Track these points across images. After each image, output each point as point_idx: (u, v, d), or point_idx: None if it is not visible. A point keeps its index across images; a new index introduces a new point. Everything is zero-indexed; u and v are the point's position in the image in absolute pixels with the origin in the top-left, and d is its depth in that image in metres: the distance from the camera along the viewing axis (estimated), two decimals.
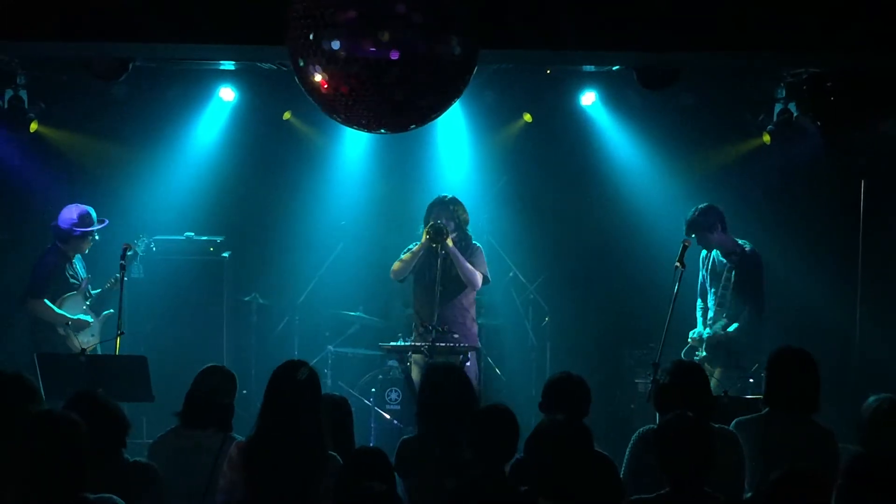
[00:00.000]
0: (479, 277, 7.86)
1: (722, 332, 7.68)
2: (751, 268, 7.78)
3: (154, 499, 4.42)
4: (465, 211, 7.96)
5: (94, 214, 7.87)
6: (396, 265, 7.96)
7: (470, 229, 8.04)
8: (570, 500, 3.83)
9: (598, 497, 4.00)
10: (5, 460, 4.14)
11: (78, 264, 7.93)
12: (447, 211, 7.86)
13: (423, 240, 7.77)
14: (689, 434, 4.19)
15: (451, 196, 8.00)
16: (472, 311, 8.00)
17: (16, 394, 4.63)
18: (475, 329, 8.02)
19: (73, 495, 3.65)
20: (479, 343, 8.08)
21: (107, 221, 7.96)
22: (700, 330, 7.85)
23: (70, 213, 7.79)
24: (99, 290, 8.00)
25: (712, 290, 7.85)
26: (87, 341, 7.65)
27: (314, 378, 4.65)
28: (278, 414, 4.57)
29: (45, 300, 7.63)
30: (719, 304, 7.76)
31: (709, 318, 7.83)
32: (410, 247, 7.95)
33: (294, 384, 4.58)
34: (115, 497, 3.81)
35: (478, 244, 8.04)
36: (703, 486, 4.16)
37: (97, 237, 7.93)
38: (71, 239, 7.78)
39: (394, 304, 9.35)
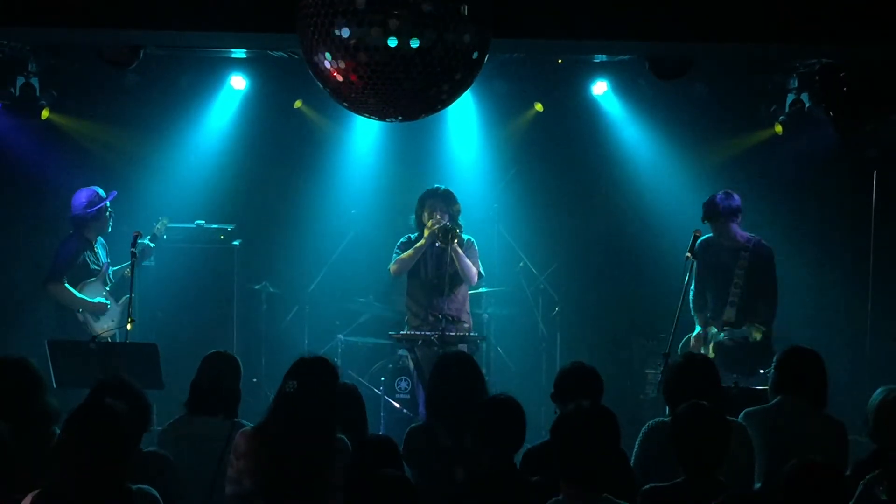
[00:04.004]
0: (475, 273, 7.84)
1: (746, 337, 7.09)
2: (767, 262, 7.40)
3: (166, 488, 4.41)
4: (457, 202, 7.86)
5: (101, 192, 7.90)
6: (397, 264, 7.87)
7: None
8: (594, 485, 3.84)
9: (616, 485, 4.01)
10: (40, 448, 4.18)
11: (101, 250, 7.99)
12: (442, 203, 7.78)
13: (426, 237, 7.72)
14: (704, 424, 4.23)
15: (444, 188, 7.90)
16: (468, 305, 8.01)
17: (20, 379, 4.64)
18: (470, 322, 8.01)
19: (119, 485, 3.69)
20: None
21: (115, 192, 7.98)
22: (705, 331, 7.31)
23: (79, 198, 7.86)
24: (118, 268, 8.05)
25: (714, 284, 7.39)
26: (106, 326, 7.69)
27: (330, 368, 4.64)
28: (288, 405, 4.55)
29: (66, 284, 7.68)
30: (730, 303, 7.28)
31: (707, 316, 7.37)
32: (402, 240, 7.92)
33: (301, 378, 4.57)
34: (152, 489, 3.86)
35: (470, 237, 7.94)
36: (717, 475, 4.18)
37: (112, 212, 7.94)
38: (88, 222, 7.83)
39: (399, 295, 9.35)
